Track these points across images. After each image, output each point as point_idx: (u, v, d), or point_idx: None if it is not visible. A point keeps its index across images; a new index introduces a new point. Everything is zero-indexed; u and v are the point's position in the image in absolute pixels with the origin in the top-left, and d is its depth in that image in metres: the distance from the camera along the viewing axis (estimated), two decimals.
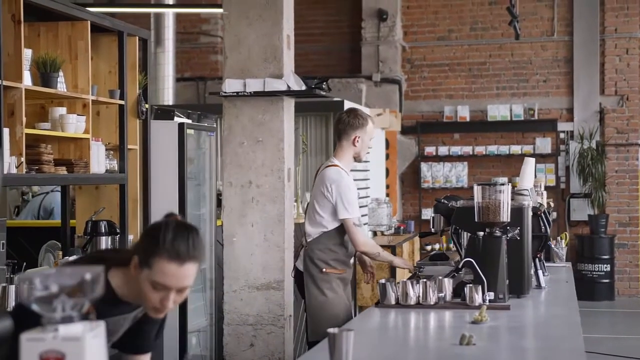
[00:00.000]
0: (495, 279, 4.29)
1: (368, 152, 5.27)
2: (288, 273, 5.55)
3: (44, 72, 4.75)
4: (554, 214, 12.31)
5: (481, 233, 4.38)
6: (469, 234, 4.57)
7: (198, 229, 2.63)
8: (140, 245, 2.59)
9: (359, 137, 5.04)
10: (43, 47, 5.05)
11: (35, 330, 1.76)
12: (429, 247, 11.93)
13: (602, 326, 10.72)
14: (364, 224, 9.66)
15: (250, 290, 5.55)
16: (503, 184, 4.44)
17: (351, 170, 5.18)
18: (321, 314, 4.98)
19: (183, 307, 6.12)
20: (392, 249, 8.92)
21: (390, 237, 9.94)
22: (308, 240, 5.05)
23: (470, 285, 4.21)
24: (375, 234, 10.10)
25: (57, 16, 5.05)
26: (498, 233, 4.39)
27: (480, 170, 12.66)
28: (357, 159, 5.13)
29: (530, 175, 5.45)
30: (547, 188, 12.23)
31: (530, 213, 4.72)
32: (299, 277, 5.15)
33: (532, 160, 5.58)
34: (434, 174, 12.76)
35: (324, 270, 4.99)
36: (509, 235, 4.49)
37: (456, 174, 12.67)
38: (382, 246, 8.82)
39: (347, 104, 9.74)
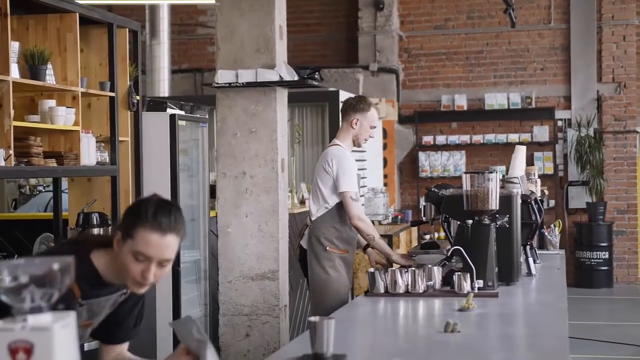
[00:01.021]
0: (484, 267, 4.30)
1: (367, 140, 5.34)
2: (283, 263, 5.57)
3: (32, 65, 4.75)
4: (552, 202, 12.33)
5: (470, 221, 4.39)
6: (458, 222, 4.58)
7: (179, 206, 2.68)
8: (122, 221, 2.63)
9: (357, 120, 5.19)
10: (32, 39, 5.06)
11: (4, 320, 1.76)
12: (427, 236, 11.92)
13: (601, 313, 10.74)
14: None
15: (245, 281, 5.56)
16: (491, 172, 4.43)
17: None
18: (323, 291, 5.09)
19: (176, 298, 6.14)
20: (389, 238, 8.92)
21: (388, 226, 9.94)
22: (312, 219, 5.15)
23: (459, 273, 4.21)
24: (372, 223, 10.09)
25: (46, 9, 5.05)
26: (487, 221, 4.40)
27: (478, 159, 12.66)
28: (355, 142, 5.25)
29: (521, 163, 5.46)
30: (545, 176, 12.29)
31: (520, 201, 4.72)
32: (303, 255, 5.26)
33: (523, 148, 5.59)
34: (431, 163, 12.76)
35: (327, 248, 5.10)
36: (498, 223, 4.49)
37: (454, 163, 12.67)
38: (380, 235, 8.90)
39: (343, 94, 9.74)
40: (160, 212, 2.56)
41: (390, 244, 9.00)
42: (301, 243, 5.32)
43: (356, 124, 5.20)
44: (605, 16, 12.46)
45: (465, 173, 4.46)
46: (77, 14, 5.15)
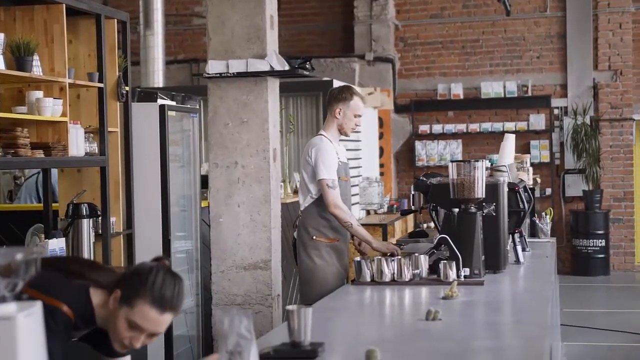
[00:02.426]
0: (470, 255, 4.31)
1: (355, 130, 5.38)
2: (275, 253, 5.59)
3: (18, 56, 4.75)
4: (548, 190, 12.33)
5: (456, 210, 4.40)
6: (444, 211, 4.59)
7: (183, 279, 2.68)
8: (126, 281, 2.62)
9: (340, 109, 5.22)
10: (19, 31, 5.05)
11: None
12: (424, 225, 11.93)
13: (598, 301, 10.76)
14: (356, 203, 9.67)
15: (237, 271, 5.57)
16: (477, 161, 4.44)
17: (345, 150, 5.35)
18: (310, 280, 5.14)
19: None
20: (383, 228, 8.94)
21: (383, 215, 9.96)
22: (301, 209, 5.22)
23: (445, 261, 4.22)
24: (368, 212, 10.11)
25: (33, 0, 5.05)
26: (473, 209, 4.41)
27: (475, 147, 12.66)
28: (341, 132, 5.27)
29: (510, 152, 5.47)
30: (541, 164, 12.30)
31: (506, 189, 4.72)
32: (295, 245, 5.33)
33: (512, 136, 5.59)
34: (428, 152, 12.76)
35: (314, 237, 5.14)
36: (485, 211, 4.50)
37: (450, 152, 12.67)
38: (374, 225, 8.94)
39: (337, 84, 9.73)
40: (166, 285, 2.58)
41: (384, 233, 9.02)
42: (294, 234, 5.38)
43: (339, 113, 5.22)
44: (601, 4, 12.43)
45: (452, 161, 4.47)
46: (64, 5, 5.14)
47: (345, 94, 5.26)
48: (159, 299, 2.55)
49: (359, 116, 5.29)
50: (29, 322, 1.79)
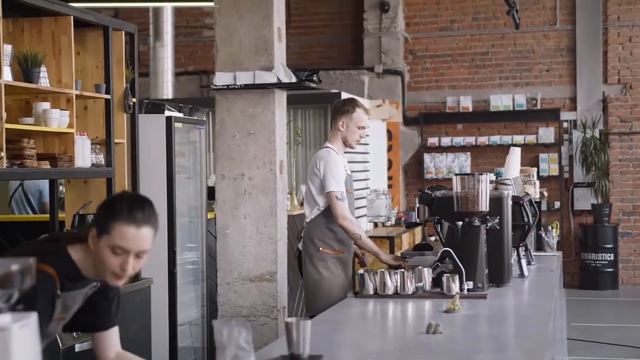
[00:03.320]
0: (474, 269, 4.30)
1: (360, 142, 5.42)
2: (281, 265, 5.60)
3: (26, 68, 4.79)
4: (557, 204, 12.30)
5: (460, 223, 4.39)
6: (448, 224, 4.59)
7: (151, 201, 2.78)
8: (97, 218, 2.74)
9: (343, 122, 5.28)
10: (27, 42, 5.09)
11: None
12: (432, 238, 11.90)
13: (606, 315, 10.71)
14: (363, 216, 9.67)
15: (243, 282, 5.58)
16: (481, 174, 4.44)
17: (350, 162, 5.40)
18: (316, 291, 5.19)
19: (172, 299, 6.16)
20: (391, 240, 8.93)
21: (390, 228, 9.94)
22: (307, 221, 5.27)
23: (448, 274, 4.22)
24: (375, 225, 10.11)
25: (41, 12, 5.09)
26: (477, 222, 4.40)
27: (483, 160, 12.64)
28: (346, 144, 5.32)
29: (515, 165, 5.47)
30: (550, 178, 12.27)
31: (510, 202, 4.71)
32: (300, 257, 5.37)
33: (518, 149, 5.59)
34: (437, 165, 12.75)
35: (320, 249, 5.19)
36: (489, 224, 4.50)
37: (459, 165, 12.66)
38: (381, 237, 8.93)
39: (345, 96, 9.74)
40: (134, 206, 2.67)
41: (392, 246, 9.01)
42: (299, 246, 5.42)
43: (343, 126, 5.28)
44: (611, 17, 12.43)
45: (456, 175, 4.47)
46: (72, 17, 5.18)
47: (347, 106, 5.31)
48: (131, 216, 2.64)
49: (363, 128, 5.33)
50: (23, 333, 1.80)
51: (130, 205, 2.67)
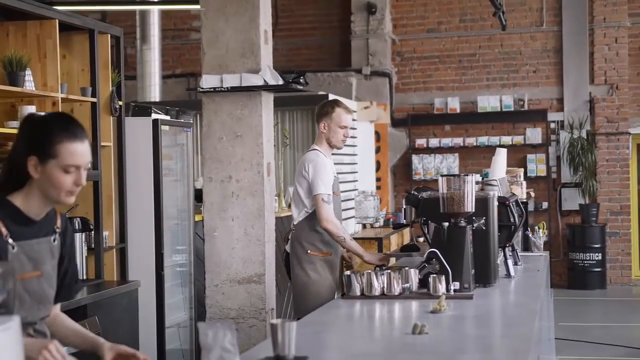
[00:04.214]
0: (460, 269, 4.31)
1: (345, 141, 5.44)
2: (269, 266, 5.60)
3: (11, 71, 4.78)
4: (545, 204, 12.34)
5: (446, 223, 4.41)
6: (435, 225, 4.60)
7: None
8: (30, 145, 2.71)
9: (325, 124, 5.35)
10: (12, 46, 5.09)
11: None
12: (421, 239, 11.92)
13: (594, 315, 10.75)
14: (351, 217, 9.68)
15: (231, 285, 5.58)
16: (467, 175, 4.45)
17: (338, 164, 5.40)
18: (304, 294, 5.23)
19: (160, 302, 6.16)
20: (379, 242, 8.95)
21: (379, 229, 9.96)
22: (294, 223, 5.31)
23: (434, 275, 4.23)
24: (364, 226, 10.12)
25: (26, 15, 5.08)
26: (463, 223, 4.41)
27: (472, 161, 12.67)
28: (330, 145, 5.36)
29: (501, 166, 5.49)
30: (538, 178, 12.31)
31: (496, 203, 4.73)
32: (287, 259, 5.41)
33: (504, 150, 5.61)
34: (425, 166, 12.78)
35: (308, 252, 5.24)
36: (474, 225, 4.51)
37: (447, 166, 12.69)
38: (369, 238, 8.95)
39: (332, 98, 9.76)
40: (69, 124, 2.73)
41: (380, 247, 9.03)
42: (286, 248, 5.45)
43: (325, 127, 5.35)
44: (597, 18, 12.48)
45: (442, 176, 4.49)
46: (57, 21, 5.17)
47: (327, 107, 5.38)
48: (73, 134, 2.71)
49: (345, 127, 5.37)
50: (5, 336, 1.80)
51: (65, 124, 2.72)
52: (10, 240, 2.68)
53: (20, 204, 2.74)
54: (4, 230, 2.68)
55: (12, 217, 2.71)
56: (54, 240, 2.85)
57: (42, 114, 2.80)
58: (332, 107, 5.38)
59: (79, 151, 2.71)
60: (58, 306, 3.00)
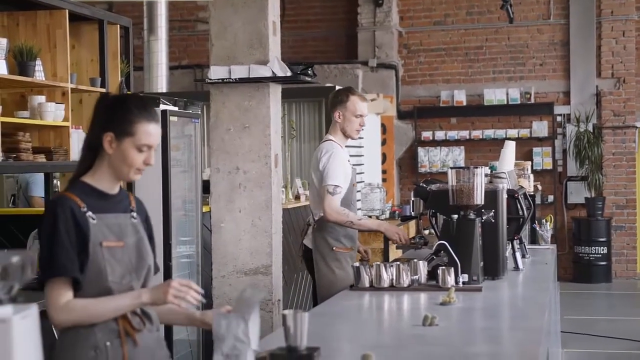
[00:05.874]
0: (469, 261, 4.32)
1: (360, 130, 5.32)
2: (276, 258, 5.59)
3: (21, 61, 4.78)
4: (551, 197, 12.34)
5: (455, 216, 4.41)
6: (443, 217, 4.60)
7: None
8: (107, 121, 2.81)
9: (339, 113, 5.21)
10: (22, 36, 5.09)
11: None
12: (427, 232, 11.92)
13: (599, 308, 10.76)
14: (358, 209, 9.68)
15: (238, 276, 5.58)
16: (477, 167, 4.46)
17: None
18: (331, 290, 5.05)
19: None
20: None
21: (385, 221, 9.95)
22: (316, 218, 5.14)
23: (443, 267, 4.24)
24: (370, 218, 10.12)
25: (36, 5, 5.09)
26: (472, 216, 4.42)
27: (477, 154, 12.67)
28: (345, 134, 5.24)
29: (510, 159, 5.49)
30: (544, 171, 12.31)
31: (505, 196, 4.73)
32: (308, 255, 5.25)
33: (512, 143, 5.61)
34: (431, 159, 12.78)
35: (334, 248, 5.11)
36: (484, 217, 4.51)
37: (453, 159, 12.69)
38: (374, 231, 8.90)
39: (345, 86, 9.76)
40: (146, 105, 2.85)
41: (386, 239, 9.00)
42: (305, 242, 5.32)
43: (339, 117, 5.22)
44: (604, 11, 12.46)
45: (451, 168, 4.48)
46: (67, 11, 5.18)
47: (341, 96, 5.26)
48: (149, 115, 2.82)
49: (361, 116, 5.24)
50: (24, 324, 1.81)
51: (143, 104, 2.83)
52: (89, 213, 2.77)
53: (91, 181, 2.84)
54: (81, 204, 2.77)
55: (88, 193, 2.81)
56: (133, 218, 2.93)
57: (117, 94, 2.91)
58: (346, 96, 5.25)
59: (154, 132, 2.82)
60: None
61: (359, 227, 5.15)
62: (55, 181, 6.01)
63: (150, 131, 2.80)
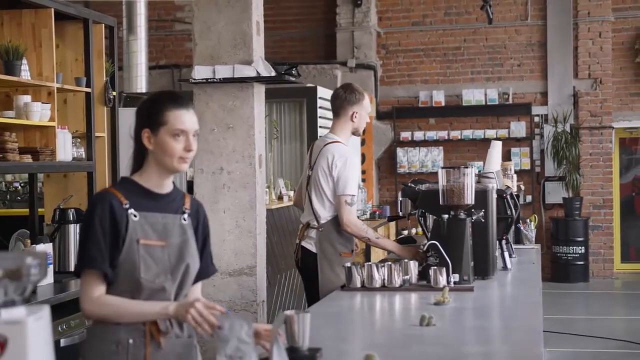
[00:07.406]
0: (459, 261, 4.33)
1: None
2: (260, 259, 5.58)
3: (7, 60, 4.73)
4: (529, 197, 12.41)
5: (446, 216, 4.41)
6: (434, 217, 4.60)
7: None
8: (142, 119, 2.88)
9: (356, 113, 4.98)
10: (7, 35, 5.03)
11: None
12: (405, 232, 11.96)
13: (577, 307, 10.83)
14: None
15: (222, 277, 5.57)
16: (467, 167, 4.46)
17: None
18: None
19: None
20: None
21: (366, 222, 9.96)
22: (321, 222, 4.91)
23: (435, 267, 4.24)
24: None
25: (21, 4, 5.03)
26: (462, 215, 4.43)
27: (456, 154, 12.72)
28: (355, 133, 5.07)
29: (497, 159, 5.50)
30: (522, 172, 12.38)
31: (495, 196, 4.75)
32: (306, 256, 4.99)
33: (499, 143, 5.62)
34: (410, 159, 12.80)
35: (341, 254, 4.92)
36: (474, 217, 4.52)
37: (432, 159, 12.73)
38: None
39: (321, 90, 9.76)
40: (175, 95, 2.91)
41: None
42: (303, 244, 5.02)
43: (355, 116, 4.97)
44: (581, 13, 12.55)
45: (442, 168, 4.49)
46: (52, 10, 5.12)
47: (356, 94, 4.97)
48: (178, 102, 2.86)
49: (370, 113, 5.13)
50: (38, 325, 1.78)
51: (171, 94, 2.91)
52: (131, 210, 2.83)
53: (139, 180, 2.89)
54: (124, 200, 2.83)
55: (134, 191, 2.87)
56: (184, 220, 2.93)
57: (152, 94, 3.00)
58: (361, 94, 4.97)
59: (185, 117, 2.85)
60: (198, 289, 3.09)
61: (375, 245, 4.99)
62: (39, 184, 5.96)
63: (181, 116, 2.85)
